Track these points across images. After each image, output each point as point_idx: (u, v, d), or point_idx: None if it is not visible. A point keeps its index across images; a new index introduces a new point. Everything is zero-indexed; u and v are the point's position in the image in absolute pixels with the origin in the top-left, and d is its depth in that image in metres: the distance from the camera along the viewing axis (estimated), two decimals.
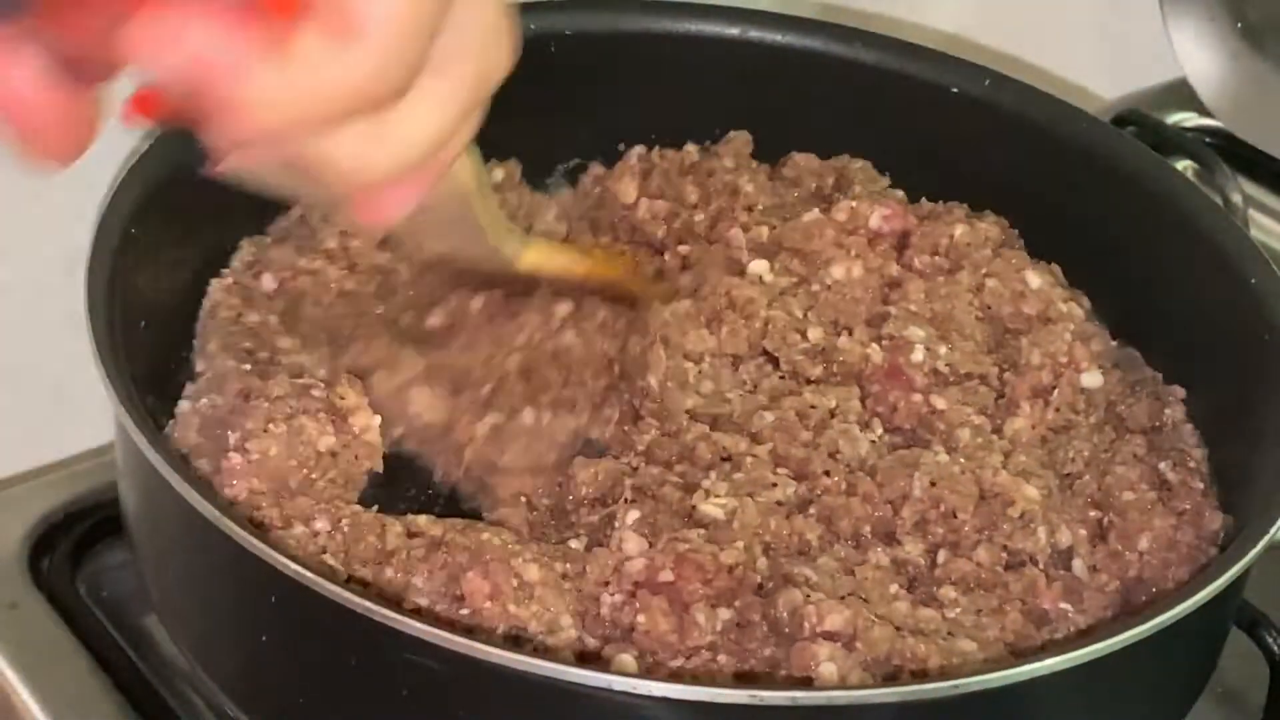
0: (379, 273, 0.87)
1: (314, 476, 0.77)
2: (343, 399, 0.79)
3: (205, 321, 0.85)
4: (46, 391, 1.04)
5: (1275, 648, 0.82)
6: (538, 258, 0.82)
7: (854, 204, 0.92)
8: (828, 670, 0.69)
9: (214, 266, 0.88)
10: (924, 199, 0.96)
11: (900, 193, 0.95)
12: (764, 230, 0.92)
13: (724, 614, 0.71)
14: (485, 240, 0.76)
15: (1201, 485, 0.82)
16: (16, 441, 1.02)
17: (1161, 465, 0.82)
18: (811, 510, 0.78)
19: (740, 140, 0.98)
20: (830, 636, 0.70)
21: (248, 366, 0.81)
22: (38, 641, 0.84)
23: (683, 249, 0.93)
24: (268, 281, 0.86)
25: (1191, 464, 0.83)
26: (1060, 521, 0.79)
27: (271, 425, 0.76)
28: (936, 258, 0.91)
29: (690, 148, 0.98)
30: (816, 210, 0.92)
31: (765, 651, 0.71)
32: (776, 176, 0.98)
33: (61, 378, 1.06)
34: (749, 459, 0.80)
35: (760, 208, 0.94)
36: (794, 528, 0.76)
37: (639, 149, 0.98)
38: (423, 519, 0.75)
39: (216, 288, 0.86)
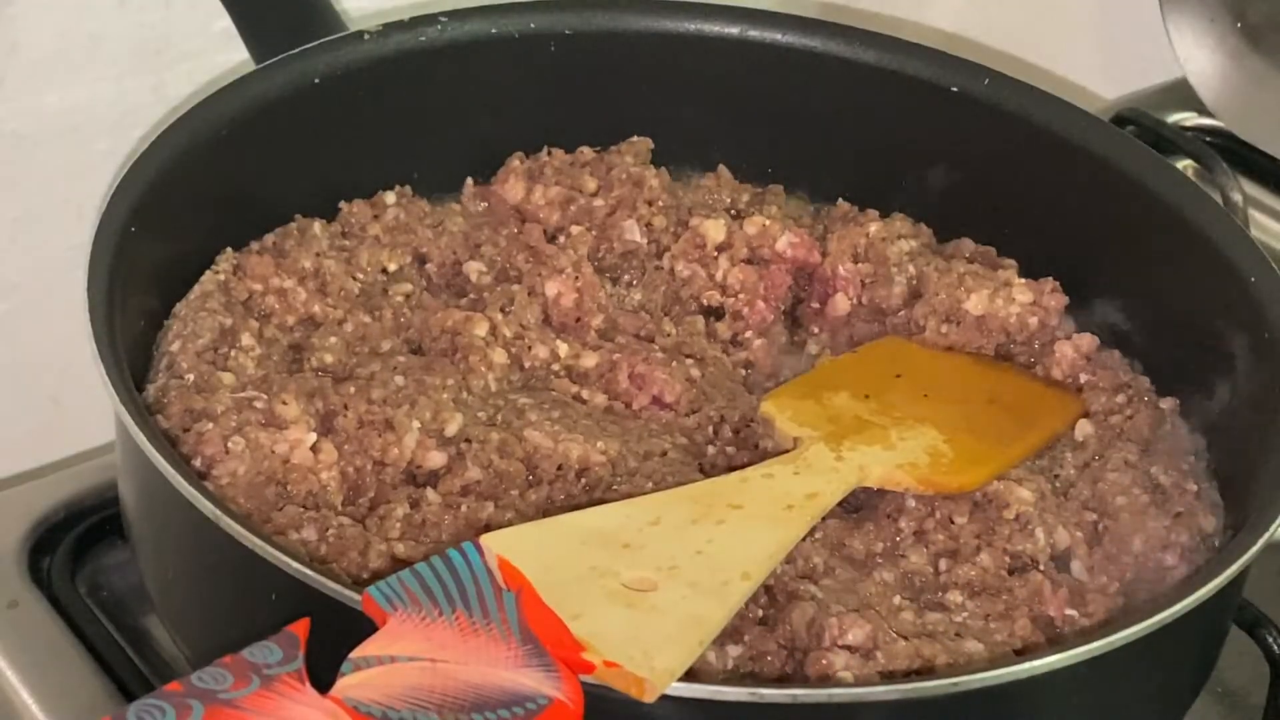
0: (345, 300, 0.87)
1: (289, 487, 0.77)
2: (285, 404, 0.79)
3: (182, 307, 0.84)
4: (46, 391, 1.05)
5: (1275, 647, 0.82)
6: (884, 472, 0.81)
7: (766, 221, 0.93)
8: (845, 678, 0.70)
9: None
10: (922, 196, 0.97)
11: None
12: (661, 220, 0.93)
13: (734, 650, 0.71)
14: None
15: (1196, 487, 0.82)
16: (16, 441, 1.02)
17: (1154, 469, 0.83)
18: (818, 535, 0.78)
19: (641, 144, 0.98)
20: (850, 649, 0.71)
21: (190, 377, 0.80)
22: (38, 641, 0.84)
23: (575, 229, 0.93)
24: (240, 291, 0.86)
25: (1185, 466, 0.83)
26: (1057, 522, 0.79)
27: (230, 444, 0.76)
28: (860, 264, 0.92)
29: (585, 149, 0.98)
30: (725, 217, 0.93)
31: (787, 669, 0.72)
32: (694, 186, 0.99)
33: (61, 378, 1.06)
34: None
35: (661, 203, 0.95)
36: (800, 552, 0.76)
37: (519, 154, 0.97)
38: (404, 546, 0.74)
39: (208, 279, 0.86)
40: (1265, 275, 0.84)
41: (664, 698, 0.62)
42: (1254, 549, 0.72)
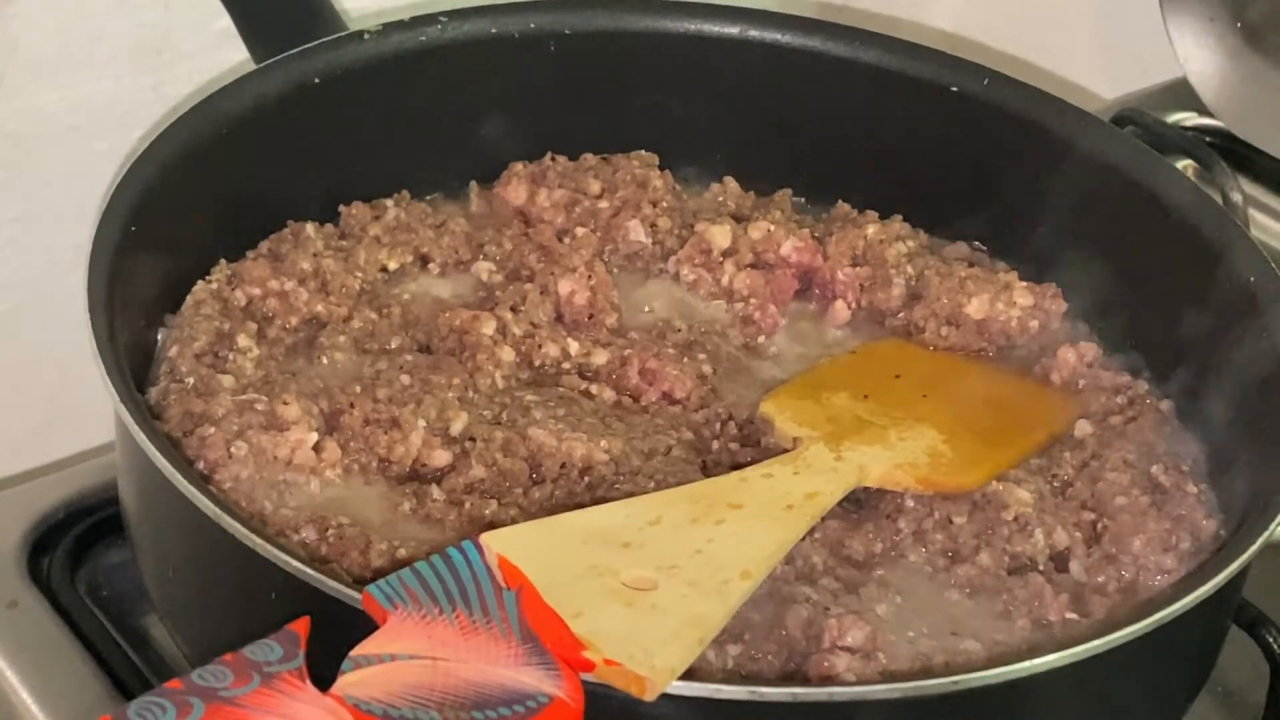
0: (348, 297, 0.87)
1: (293, 489, 0.77)
2: (286, 405, 0.79)
3: (177, 319, 0.84)
4: (46, 391, 1.05)
5: (1276, 647, 0.82)
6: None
7: (771, 226, 0.93)
8: (847, 678, 0.69)
9: (211, 266, 0.88)
10: (922, 198, 0.97)
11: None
12: (666, 221, 0.94)
13: (734, 650, 0.71)
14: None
15: (1195, 490, 0.82)
16: (16, 441, 1.02)
17: (1154, 469, 0.82)
18: (817, 535, 0.78)
19: (647, 156, 0.99)
20: (850, 650, 0.71)
21: (190, 380, 0.80)
22: (37, 641, 0.84)
23: (580, 231, 0.93)
24: (239, 297, 0.86)
25: (1185, 468, 0.83)
26: (1055, 523, 0.79)
27: (233, 449, 0.76)
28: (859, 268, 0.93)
29: (589, 156, 0.98)
30: (729, 221, 0.94)
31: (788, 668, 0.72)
32: (699, 193, 0.99)
33: (61, 378, 1.06)
34: None
35: (666, 204, 0.95)
36: (799, 552, 0.76)
37: (521, 161, 0.97)
38: (404, 550, 0.74)
39: (200, 289, 0.86)
40: (1263, 274, 0.84)
41: (665, 696, 0.62)
42: (1252, 549, 0.71)
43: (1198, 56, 1.14)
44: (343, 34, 0.93)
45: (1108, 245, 0.93)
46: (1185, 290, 0.88)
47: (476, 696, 0.60)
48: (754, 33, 0.99)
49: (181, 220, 0.86)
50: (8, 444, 1.02)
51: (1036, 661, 0.66)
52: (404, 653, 0.61)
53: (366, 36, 0.93)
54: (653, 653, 0.63)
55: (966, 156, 0.97)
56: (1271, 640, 0.82)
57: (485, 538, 0.66)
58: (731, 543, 0.71)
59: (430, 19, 0.95)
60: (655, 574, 0.68)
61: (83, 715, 0.81)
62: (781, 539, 0.73)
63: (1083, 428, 0.86)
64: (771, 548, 0.72)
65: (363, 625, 0.63)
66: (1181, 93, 1.16)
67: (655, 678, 0.62)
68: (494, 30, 0.96)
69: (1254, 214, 1.08)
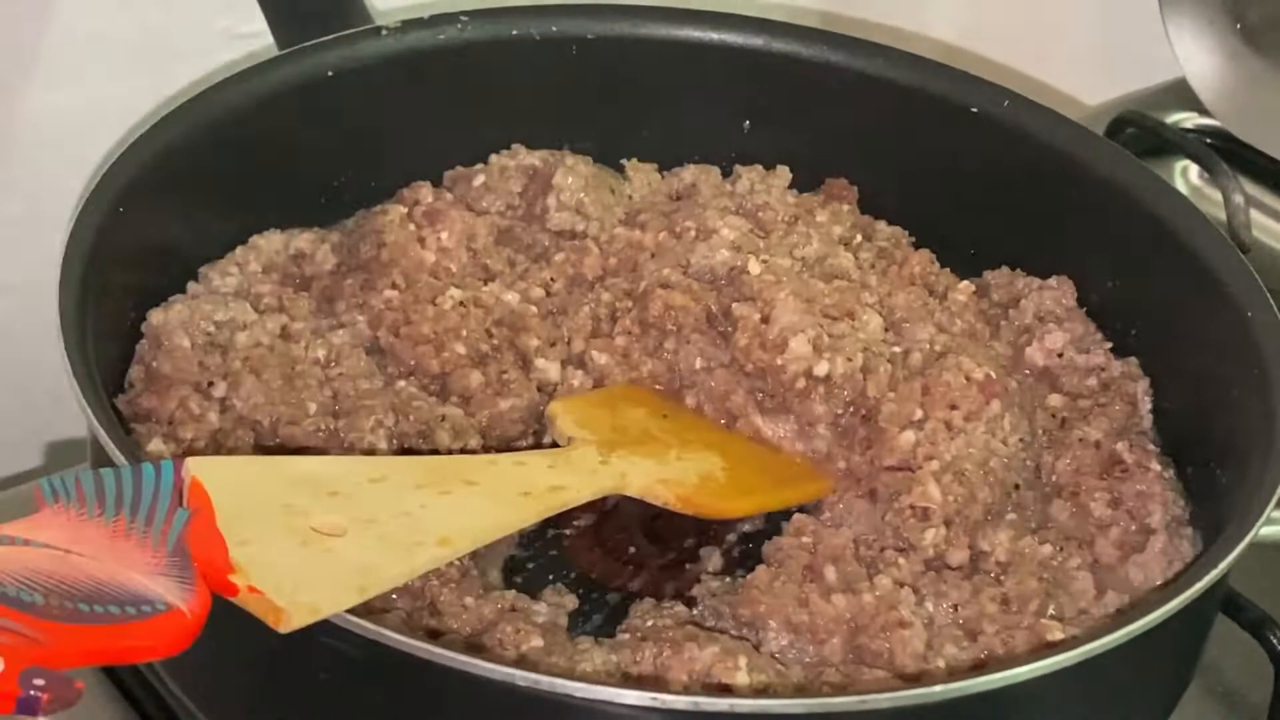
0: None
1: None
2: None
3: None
4: (47, 391, 1.04)
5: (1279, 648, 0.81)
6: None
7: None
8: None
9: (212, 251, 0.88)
10: (935, 214, 0.96)
11: None
12: None
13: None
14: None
15: (1158, 468, 0.82)
16: (16, 441, 1.02)
17: (1119, 446, 0.83)
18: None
19: None
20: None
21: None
22: None
23: None
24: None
25: (1150, 447, 0.84)
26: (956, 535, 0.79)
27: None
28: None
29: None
30: None
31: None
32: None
33: (62, 378, 1.06)
34: None
35: None
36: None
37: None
38: None
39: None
40: (1262, 310, 0.83)
41: (654, 711, 0.62)
42: (1233, 554, 0.71)
43: (1197, 57, 1.14)
44: (360, 29, 0.92)
45: (1110, 257, 0.92)
46: (1184, 317, 0.87)
47: (91, 590, 0.58)
48: (778, 45, 0.98)
49: (180, 207, 0.85)
50: (8, 444, 1.02)
51: (1018, 670, 0.65)
52: (40, 540, 0.60)
53: (384, 32, 0.92)
54: (301, 589, 0.62)
55: (965, 170, 0.96)
56: (1276, 641, 0.81)
57: (189, 461, 0.65)
58: (444, 512, 0.70)
59: (451, 17, 0.94)
60: (348, 523, 0.66)
61: (83, 715, 0.81)
62: (501, 520, 0.72)
63: (1054, 401, 0.86)
64: (485, 525, 0.71)
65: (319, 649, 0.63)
66: (1181, 93, 1.16)
67: (293, 611, 0.61)
68: (514, 31, 0.96)
69: (1254, 214, 1.08)
